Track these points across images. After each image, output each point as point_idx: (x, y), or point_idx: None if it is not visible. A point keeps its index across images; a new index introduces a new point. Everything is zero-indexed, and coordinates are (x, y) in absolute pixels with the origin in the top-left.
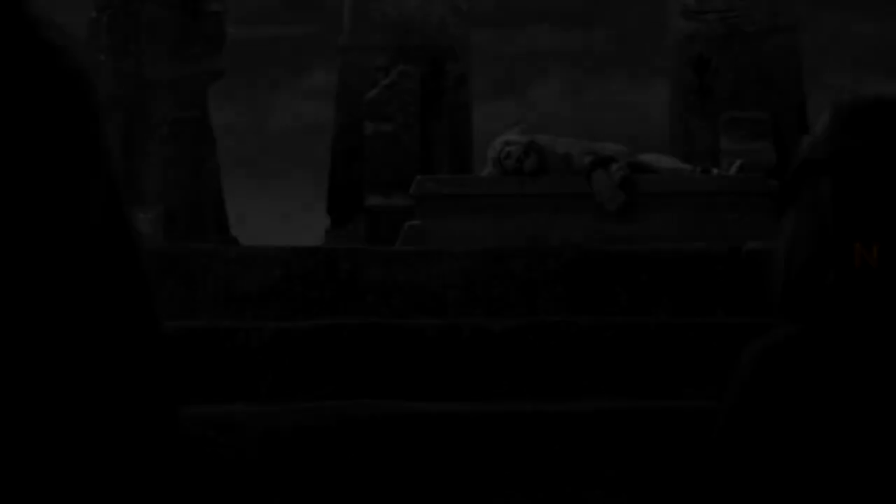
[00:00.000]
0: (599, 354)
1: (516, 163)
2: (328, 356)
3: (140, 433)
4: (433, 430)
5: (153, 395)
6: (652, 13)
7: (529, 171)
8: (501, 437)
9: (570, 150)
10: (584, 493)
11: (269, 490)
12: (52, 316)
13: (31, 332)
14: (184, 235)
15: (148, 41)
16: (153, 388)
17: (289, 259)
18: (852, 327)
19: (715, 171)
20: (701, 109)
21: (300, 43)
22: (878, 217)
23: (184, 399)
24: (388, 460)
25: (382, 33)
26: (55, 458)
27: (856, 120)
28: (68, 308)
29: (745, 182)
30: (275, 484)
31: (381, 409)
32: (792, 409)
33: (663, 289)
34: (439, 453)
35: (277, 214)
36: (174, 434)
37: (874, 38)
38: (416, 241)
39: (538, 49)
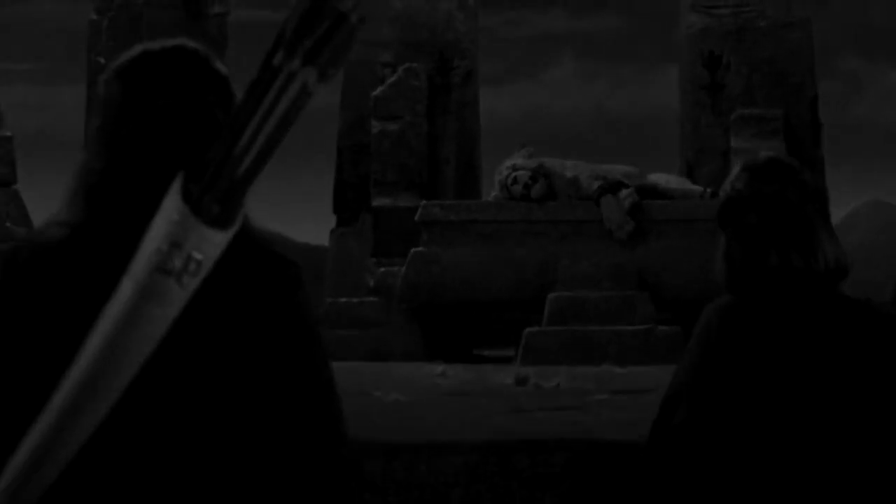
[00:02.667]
0: None
1: (524, 189)
2: None
3: None
4: None
5: None
6: (664, 0)
7: (537, 197)
8: None
9: (579, 175)
10: None
11: None
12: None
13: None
14: None
15: None
16: None
17: None
18: (766, 299)
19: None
20: (712, 106)
21: None
22: (781, 236)
23: None
24: None
25: (389, 28)
26: None
27: (763, 172)
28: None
29: None
30: None
31: None
32: (738, 336)
33: None
34: None
35: (283, 206)
36: None
37: (885, 27)
38: (421, 268)
39: (552, 34)
